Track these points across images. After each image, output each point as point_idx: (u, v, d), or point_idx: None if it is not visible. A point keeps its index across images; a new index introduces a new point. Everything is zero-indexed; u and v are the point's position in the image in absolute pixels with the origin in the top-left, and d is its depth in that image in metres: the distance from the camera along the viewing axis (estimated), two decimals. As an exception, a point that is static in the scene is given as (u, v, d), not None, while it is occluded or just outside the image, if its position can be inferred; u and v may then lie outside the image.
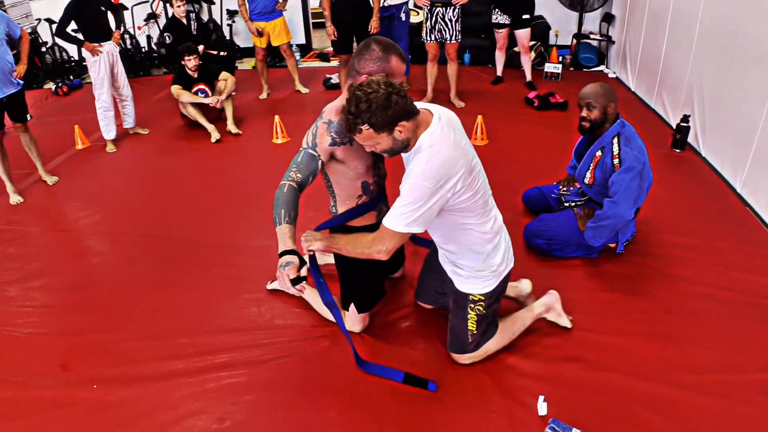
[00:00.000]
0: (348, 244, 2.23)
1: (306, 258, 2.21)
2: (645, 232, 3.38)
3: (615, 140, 2.95)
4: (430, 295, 2.79)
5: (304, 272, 2.14)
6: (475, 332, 2.46)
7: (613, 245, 3.20)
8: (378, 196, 2.58)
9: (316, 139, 2.29)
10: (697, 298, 2.90)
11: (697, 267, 3.12)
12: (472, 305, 2.42)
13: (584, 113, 3.01)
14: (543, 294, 2.74)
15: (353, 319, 2.72)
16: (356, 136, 2.09)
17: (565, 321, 2.71)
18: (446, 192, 2.08)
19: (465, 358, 2.51)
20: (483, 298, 2.41)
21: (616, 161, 2.92)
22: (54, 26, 7.31)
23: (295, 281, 2.11)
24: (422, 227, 2.12)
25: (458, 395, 2.39)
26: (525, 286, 2.82)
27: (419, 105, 2.17)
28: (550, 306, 2.70)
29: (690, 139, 4.56)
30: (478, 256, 2.34)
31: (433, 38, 5.46)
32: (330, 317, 2.80)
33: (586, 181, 3.10)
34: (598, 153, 3.02)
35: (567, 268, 3.16)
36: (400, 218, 2.08)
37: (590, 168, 3.06)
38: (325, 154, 2.29)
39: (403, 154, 2.21)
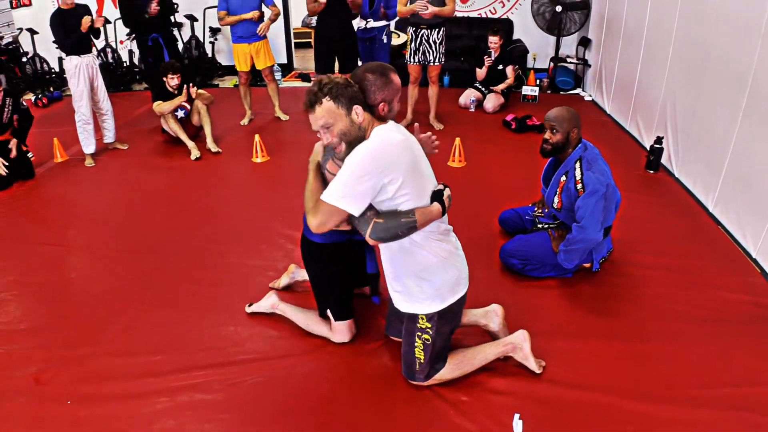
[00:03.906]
0: (308, 192, 2.23)
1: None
2: (619, 252, 3.44)
3: (577, 165, 3.02)
4: (394, 326, 2.68)
5: None
6: (422, 361, 2.43)
7: (587, 265, 3.25)
8: None
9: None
10: (670, 316, 2.95)
11: (671, 286, 3.18)
12: (420, 333, 2.39)
13: (547, 135, 3.08)
14: (515, 318, 2.74)
15: (341, 330, 2.74)
16: (315, 113, 2.12)
17: (533, 365, 2.53)
18: (386, 177, 2.08)
19: (417, 383, 2.50)
20: (430, 326, 2.36)
21: (579, 186, 2.98)
22: (35, 36, 7.28)
23: None
24: (356, 208, 2.09)
25: (435, 412, 2.40)
26: (496, 312, 2.69)
27: None
28: (517, 346, 2.53)
29: (663, 160, 4.67)
30: (422, 270, 2.29)
31: (416, 60, 5.54)
32: (313, 330, 2.82)
33: (555, 205, 3.16)
34: (563, 178, 3.08)
35: (542, 288, 3.20)
36: (337, 191, 2.08)
37: (557, 193, 3.12)
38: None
39: None
